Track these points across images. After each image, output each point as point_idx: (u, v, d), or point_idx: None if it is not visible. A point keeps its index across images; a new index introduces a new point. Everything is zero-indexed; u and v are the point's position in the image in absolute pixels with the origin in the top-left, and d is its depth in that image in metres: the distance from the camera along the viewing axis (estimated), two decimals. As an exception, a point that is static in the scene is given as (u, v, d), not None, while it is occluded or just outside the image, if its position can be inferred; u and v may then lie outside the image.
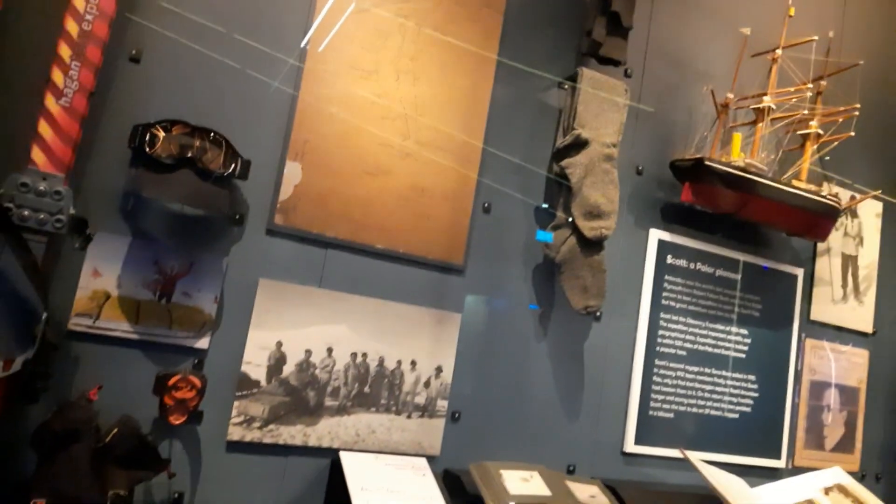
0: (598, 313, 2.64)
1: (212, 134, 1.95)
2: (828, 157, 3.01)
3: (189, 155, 1.88)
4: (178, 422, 1.81)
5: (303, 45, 2.18)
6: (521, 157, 2.56)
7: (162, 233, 1.99)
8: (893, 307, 3.54)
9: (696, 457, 2.47)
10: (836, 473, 2.75)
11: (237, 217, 2.09)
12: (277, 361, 2.11)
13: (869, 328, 3.42)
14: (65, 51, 1.76)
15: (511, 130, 2.54)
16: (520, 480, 2.18)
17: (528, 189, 2.57)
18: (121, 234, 1.93)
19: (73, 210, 1.72)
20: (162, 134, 1.88)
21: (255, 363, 2.08)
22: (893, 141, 3.56)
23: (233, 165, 1.97)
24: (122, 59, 1.96)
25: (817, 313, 3.24)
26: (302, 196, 2.17)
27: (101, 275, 1.90)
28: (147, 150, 1.84)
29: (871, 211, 3.44)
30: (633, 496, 2.44)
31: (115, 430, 1.73)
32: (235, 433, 2.04)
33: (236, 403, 2.04)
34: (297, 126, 2.17)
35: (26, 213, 1.67)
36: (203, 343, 2.02)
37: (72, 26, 1.77)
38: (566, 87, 2.58)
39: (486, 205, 2.48)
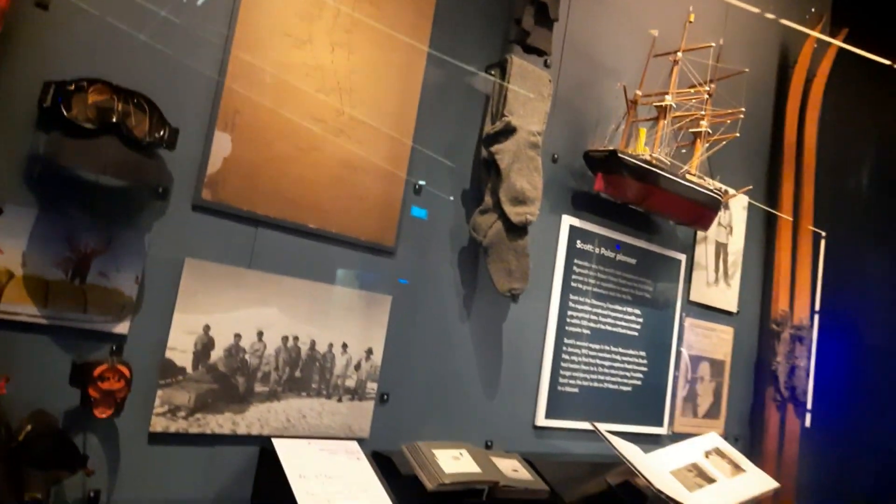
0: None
1: (136, 97, 1.76)
2: (708, 155, 3.33)
3: (113, 119, 1.68)
4: (104, 415, 1.64)
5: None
6: (451, 138, 2.57)
7: (75, 205, 1.77)
8: (753, 289, 4.02)
9: (603, 428, 2.66)
10: (714, 438, 3.10)
11: (161, 190, 1.91)
12: (205, 347, 1.98)
13: (734, 308, 3.85)
14: (-38, -12, 1.50)
15: (441, 111, 2.54)
16: (451, 459, 2.23)
17: (457, 172, 2.60)
18: (26, 205, 1.70)
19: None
20: (81, 93, 1.66)
21: (180, 349, 1.93)
22: (761, 142, 4.02)
23: (160, 133, 1.79)
24: (27, 2, 1.70)
25: (695, 295, 3.59)
26: (231, 170, 2.03)
27: (1, 252, 1.66)
28: (64, 112, 1.62)
29: (739, 204, 3.86)
30: (546, 467, 2.58)
31: (29, 427, 1.54)
32: (159, 424, 1.89)
33: (160, 392, 1.89)
34: (228, 94, 2.02)
35: (-84, 177, 1.42)
36: (122, 328, 1.84)
37: (-29, -40, 1.51)
38: (493, 72, 2.62)
39: (416, 186, 2.47)
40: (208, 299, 1.98)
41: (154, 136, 1.78)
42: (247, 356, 2.06)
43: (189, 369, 1.94)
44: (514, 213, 2.50)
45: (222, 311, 2.01)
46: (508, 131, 2.51)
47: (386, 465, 2.23)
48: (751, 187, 3.60)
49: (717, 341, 3.74)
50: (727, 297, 3.81)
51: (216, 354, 1.99)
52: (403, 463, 2.20)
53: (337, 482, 1.98)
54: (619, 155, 2.77)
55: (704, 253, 3.66)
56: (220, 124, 2.01)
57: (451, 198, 2.54)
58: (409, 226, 2.45)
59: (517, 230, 2.53)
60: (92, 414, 1.63)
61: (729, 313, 3.83)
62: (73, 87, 1.66)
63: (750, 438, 3.94)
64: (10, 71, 1.67)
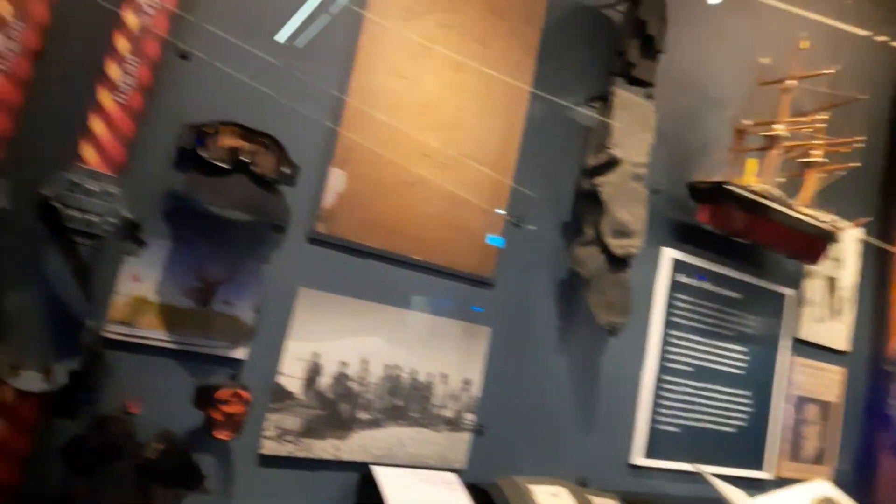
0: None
1: (263, 137, 1.87)
2: (823, 186, 3.15)
3: (243, 159, 1.79)
4: (225, 437, 1.73)
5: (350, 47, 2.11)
6: (551, 170, 2.57)
7: (203, 238, 1.89)
8: (865, 328, 3.76)
9: (706, 470, 2.55)
10: (823, 486, 2.91)
11: (280, 225, 2.01)
12: (313, 373, 2.05)
13: (845, 346, 3.61)
14: (122, 44, 1.64)
15: (544, 144, 2.54)
16: (549, 496, 2.21)
17: (557, 204, 2.59)
18: (161, 238, 1.83)
19: (126, 213, 1.61)
20: (215, 135, 1.78)
21: (290, 375, 2.01)
22: (874, 173, 3.77)
23: (285, 170, 1.89)
24: (172, 55, 1.84)
25: (804, 332, 3.40)
26: (345, 204, 2.11)
27: (140, 280, 1.79)
28: (200, 152, 1.74)
29: (851, 237, 3.63)
30: (645, 510, 2.50)
31: (159, 446, 1.64)
32: (269, 447, 1.97)
33: (270, 416, 1.97)
34: (344, 132, 2.10)
35: (75, 213, 1.56)
36: (241, 353, 1.94)
37: (131, 19, 1.65)
38: (596, 105, 2.60)
39: (516, 219, 2.47)
40: (318, 327, 2.06)
41: (278, 173, 1.88)
42: (351, 384, 2.12)
43: (298, 394, 2.02)
44: (617, 245, 2.46)
45: (331, 339, 2.08)
46: (612, 163, 2.48)
47: (481, 498, 2.23)
48: (870, 219, 3.38)
49: (826, 382, 3.52)
50: (838, 334, 3.58)
51: (323, 381, 2.06)
52: (500, 497, 2.19)
53: (437, 514, 2.00)
54: (727, 186, 2.68)
55: (813, 288, 3.46)
56: (336, 161, 2.09)
57: (534, 227, 2.51)
58: (509, 258, 2.45)
59: (619, 263, 2.49)
60: (213, 436, 1.72)
61: (839, 352, 3.59)
62: (208, 130, 1.78)
63: (859, 487, 3.66)
64: (154, 116, 1.80)
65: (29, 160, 1.60)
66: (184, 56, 1.85)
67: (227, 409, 1.72)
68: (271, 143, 1.88)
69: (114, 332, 1.76)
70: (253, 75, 1.95)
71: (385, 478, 2.05)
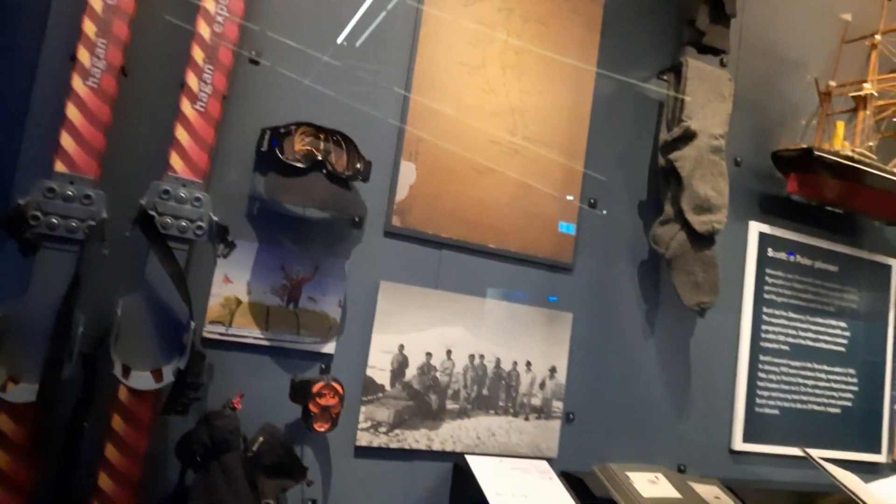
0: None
1: (335, 135, 1.92)
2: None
3: (318, 157, 1.84)
4: (322, 429, 1.77)
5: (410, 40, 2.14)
6: (624, 148, 2.51)
7: (286, 237, 1.95)
8: (984, 296, 3.45)
9: (815, 454, 2.40)
10: (950, 468, 2.68)
11: (357, 220, 2.05)
12: (400, 365, 2.07)
13: (963, 318, 3.33)
14: (198, 54, 1.73)
15: (614, 122, 2.49)
16: (647, 483, 2.14)
17: (633, 183, 2.52)
18: (248, 239, 1.90)
19: (214, 217, 1.69)
20: (290, 136, 1.84)
21: (378, 367, 2.04)
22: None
23: (358, 166, 1.93)
24: (243, 61, 1.92)
25: (912, 304, 3.16)
26: (417, 196, 2.13)
27: (231, 281, 1.87)
28: (279, 154, 1.80)
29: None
30: (750, 495, 2.38)
31: (262, 439, 1.70)
32: (363, 438, 2.00)
33: (363, 408, 2.01)
34: (411, 125, 2.13)
35: (168, 220, 1.64)
36: (329, 348, 1.98)
37: (203, 29, 1.74)
38: (666, 78, 2.52)
39: (591, 200, 2.43)
40: (401, 319, 2.08)
41: (352, 169, 1.92)
42: (437, 374, 2.13)
43: (387, 386, 2.05)
44: (699, 221, 2.37)
45: (414, 331, 2.10)
46: (688, 137, 2.39)
47: (577, 486, 2.18)
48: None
49: (943, 356, 3.25)
50: (953, 305, 3.30)
51: (410, 372, 2.08)
52: (596, 484, 2.14)
53: (532, 501, 1.98)
54: (816, 152, 2.53)
55: (921, 256, 3.21)
56: (406, 154, 2.12)
57: (605, 212, 2.44)
58: (586, 242, 2.41)
59: (703, 240, 2.40)
60: (311, 428, 1.77)
61: (957, 323, 3.31)
62: (284, 131, 1.84)
63: None
64: (231, 122, 1.89)
65: (123, 172, 1.70)
66: (254, 62, 1.92)
67: (322, 401, 1.76)
68: (343, 141, 1.92)
69: (212, 332, 1.84)
70: (320, 76, 2.01)
71: (479, 466, 2.05)
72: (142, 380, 1.59)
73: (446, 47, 2.20)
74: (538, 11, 2.34)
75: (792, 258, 2.83)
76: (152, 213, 1.62)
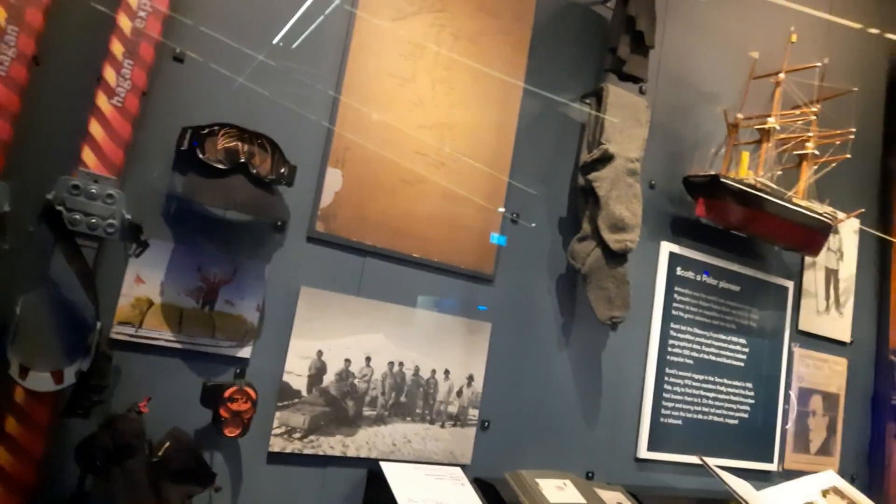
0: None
1: (260, 139, 1.91)
2: (817, 178, 3.18)
3: (241, 159, 1.82)
4: (233, 434, 1.75)
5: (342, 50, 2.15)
6: (546, 167, 2.61)
7: (205, 239, 1.92)
8: (867, 318, 3.77)
9: (711, 462, 2.55)
10: (831, 476, 2.91)
11: (279, 224, 2.04)
12: (318, 371, 2.07)
13: (847, 337, 3.62)
14: (117, 48, 1.69)
15: (538, 141, 2.58)
16: (555, 489, 2.21)
17: (554, 200, 2.62)
18: (163, 239, 1.86)
19: (127, 215, 1.64)
20: (213, 137, 1.82)
21: (296, 373, 2.03)
22: (861, 160, 3.79)
23: (282, 170, 1.92)
24: (166, 57, 1.88)
25: (805, 324, 3.41)
26: (342, 203, 2.15)
27: (143, 282, 1.82)
28: (199, 153, 1.78)
29: (850, 228, 3.66)
30: (652, 501, 2.51)
31: (168, 444, 1.67)
32: (277, 444, 1.99)
33: (277, 414, 1.99)
34: (338, 132, 2.14)
35: (77, 216, 1.59)
36: (245, 352, 1.96)
37: (125, 22, 1.70)
38: (589, 101, 2.64)
39: (514, 215, 2.51)
40: (321, 325, 2.08)
41: (276, 173, 1.91)
42: (356, 381, 2.14)
43: (304, 392, 2.04)
44: (614, 240, 2.48)
45: (334, 337, 2.10)
46: (606, 159, 2.51)
47: (489, 493, 2.24)
48: (863, 210, 3.40)
49: (829, 373, 3.53)
50: (839, 326, 3.59)
51: (328, 378, 2.08)
52: (507, 491, 2.20)
53: (443, 508, 2.01)
54: (722, 179, 2.71)
55: (814, 280, 3.48)
56: (332, 161, 2.13)
57: (534, 224, 2.54)
58: (508, 254, 2.48)
59: (617, 257, 2.51)
60: (222, 433, 1.74)
61: (842, 343, 3.61)
62: (206, 132, 1.82)
63: (869, 478, 3.66)
64: (151, 119, 1.84)
65: (30, 165, 1.64)
66: (179, 59, 1.89)
67: (234, 406, 1.74)
68: (268, 144, 1.91)
69: (121, 333, 1.78)
70: (248, 77, 1.99)
71: (393, 473, 2.07)
72: (40, 381, 1.53)
73: (378, 58, 2.23)
74: (469, 30, 2.40)
75: (707, 276, 3.00)
76: (60, 208, 1.57)
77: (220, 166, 1.80)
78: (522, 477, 2.20)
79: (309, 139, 2.10)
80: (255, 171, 1.84)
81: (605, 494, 2.36)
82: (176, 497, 1.63)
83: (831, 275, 3.56)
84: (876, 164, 3.91)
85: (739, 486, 2.53)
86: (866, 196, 3.81)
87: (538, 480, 2.21)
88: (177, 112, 1.88)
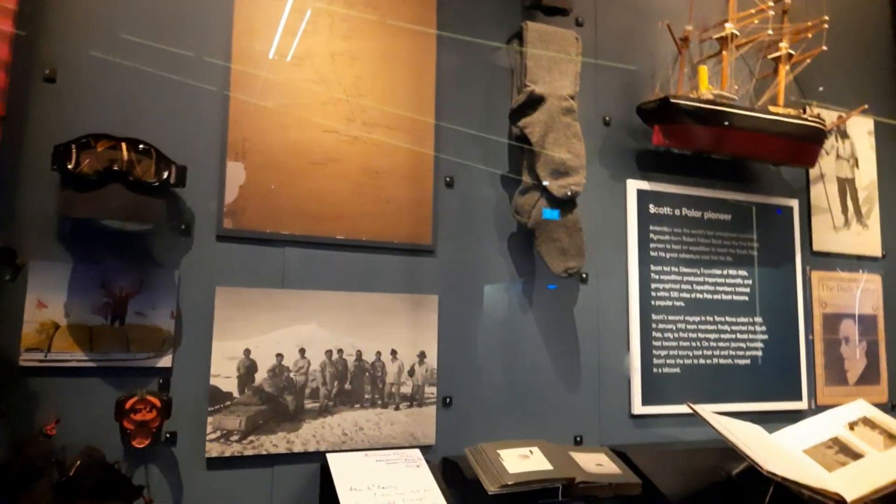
0: (582, 274, 2.52)
1: (140, 145, 1.87)
2: (795, 77, 2.85)
3: (115, 168, 1.79)
4: (141, 445, 1.72)
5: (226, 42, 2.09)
6: (477, 123, 2.45)
7: (107, 254, 1.90)
8: (901, 226, 3.38)
9: (706, 409, 2.33)
10: (861, 406, 2.60)
11: (183, 227, 2.00)
12: (248, 370, 2.02)
13: (878, 251, 3.25)
14: (-32, 77, 1.68)
15: (463, 98, 2.43)
16: (518, 458, 2.08)
17: (490, 157, 2.46)
18: (61, 260, 1.85)
19: (-3, 241, 1.64)
20: (85, 150, 1.79)
21: (223, 375, 1.99)
22: (869, 52, 3.39)
23: (166, 173, 1.88)
24: (37, 79, 1.87)
25: (820, 243, 3.09)
26: (249, 196, 2.08)
27: (46, 305, 1.82)
28: (70, 168, 1.75)
29: (862, 129, 3.28)
30: (643, 459, 2.32)
31: (78, 461, 1.65)
32: (214, 449, 1.95)
33: (210, 419, 1.96)
34: (234, 125, 2.08)
35: (-51, 250, 1.60)
36: (165, 361, 1.93)
37: (-28, 51, 1.69)
38: (515, 43, 2.46)
39: (448, 179, 2.37)
40: (245, 324, 2.03)
41: (160, 176, 1.87)
42: (292, 374, 2.07)
43: (235, 394, 1.99)
44: (557, 186, 2.31)
45: (261, 334, 2.05)
46: (535, 101, 2.33)
47: (453, 471, 2.13)
48: (866, 107, 3.03)
49: (861, 294, 3.18)
50: (866, 240, 3.23)
51: (260, 376, 2.03)
52: (468, 467, 2.08)
53: (390, 492, 1.92)
54: (672, 100, 2.47)
55: (824, 194, 3.14)
56: (231, 154, 2.07)
57: (465, 191, 2.38)
58: (447, 221, 2.35)
59: (565, 204, 2.34)
60: (130, 445, 1.72)
61: (872, 259, 3.24)
62: (76, 145, 1.79)
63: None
64: (29, 141, 1.84)
65: None
66: (50, 79, 1.87)
67: (137, 417, 1.72)
68: (150, 149, 1.87)
69: (29, 359, 1.79)
70: (131, 84, 1.96)
71: (338, 464, 1.99)
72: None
73: (263, 41, 2.14)
74: (360, -7, 2.28)
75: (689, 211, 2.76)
76: (-71, 244, 1.58)
77: (92, 177, 1.76)
78: (482, 450, 2.08)
79: (203, 136, 2.05)
80: (131, 177, 1.80)
81: (581, 457, 2.20)
82: (92, 514, 1.62)
83: (846, 185, 3.20)
84: (889, 54, 3.49)
85: (739, 429, 2.30)
86: (881, 88, 3.40)
87: (500, 451, 2.08)
88: (58, 132, 1.86)
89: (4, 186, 1.79)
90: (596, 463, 2.20)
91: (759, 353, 2.84)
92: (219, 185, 2.05)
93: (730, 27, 2.61)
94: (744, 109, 2.54)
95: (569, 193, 2.30)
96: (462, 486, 2.05)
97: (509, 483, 1.95)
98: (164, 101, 2.01)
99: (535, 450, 2.14)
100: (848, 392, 3.04)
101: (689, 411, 2.60)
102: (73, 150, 1.76)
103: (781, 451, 2.32)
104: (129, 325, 1.90)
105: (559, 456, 2.15)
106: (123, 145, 1.84)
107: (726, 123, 2.49)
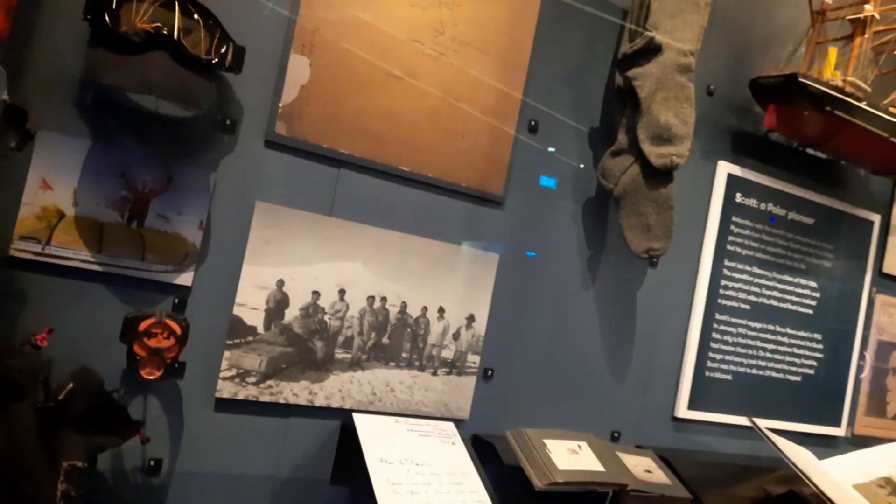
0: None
1: (196, 9, 1.50)
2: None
3: (164, 32, 1.42)
4: (151, 377, 1.42)
5: None
6: (575, 64, 2.11)
7: (133, 137, 1.55)
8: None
9: (763, 425, 2.11)
10: (912, 447, 2.42)
11: (228, 123, 1.65)
12: (278, 304, 1.71)
13: (942, 284, 3.03)
14: None
15: (563, 34, 2.07)
16: (567, 452, 1.83)
17: (584, 106, 2.13)
18: (77, 135, 1.50)
19: (5, 96, 1.28)
20: (129, 3, 1.42)
21: (250, 305, 1.68)
22: None
23: (223, 50, 1.52)
24: None
25: (890, 266, 2.85)
26: (310, 100, 1.73)
27: (51, 187, 1.48)
28: (107, 22, 1.38)
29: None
30: (689, 469, 2.10)
31: (70, 385, 1.34)
32: (226, 389, 1.66)
33: (227, 354, 1.66)
34: (305, 8, 1.70)
35: (-60, 97, 1.23)
36: (185, 279, 1.61)
37: None
38: (634, -20, 2.10)
39: (532, 123, 2.04)
40: (282, 249, 1.71)
41: (216, 53, 1.50)
42: (327, 317, 1.77)
43: (260, 329, 1.69)
44: (656, 154, 1.99)
45: (298, 265, 1.73)
46: (651, 50, 1.99)
47: (487, 453, 1.88)
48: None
49: (917, 326, 2.97)
50: (934, 270, 3.00)
51: (291, 313, 1.73)
52: (507, 451, 1.83)
53: (425, 471, 1.66)
54: (801, 79, 2.14)
55: (906, 213, 2.88)
56: (297, 45, 1.70)
57: (552, 149, 2.07)
58: (521, 172, 2.03)
59: (659, 176, 2.02)
60: (137, 374, 1.41)
61: (935, 291, 3.02)
62: (120, -3, 1.41)
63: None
64: (57, -20, 1.46)
65: None
66: None
67: (152, 343, 1.40)
68: (206, 18, 1.50)
69: (23, 250, 1.45)
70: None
71: (366, 426, 1.72)
72: None
73: (355, -87, 1.75)
74: None
75: (773, 223, 2.48)
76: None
77: (135, 39, 1.40)
78: (527, 436, 1.82)
79: (268, 18, 1.68)
80: (182, 47, 1.43)
81: (630, 460, 1.97)
82: (79, 450, 1.32)
83: (929, 208, 2.95)
84: None
85: (796, 453, 2.09)
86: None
87: (546, 441, 1.83)
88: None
89: (21, 29, 1.41)
90: (645, 469, 1.97)
91: (811, 372, 2.63)
92: (276, 80, 1.69)
93: (870, 9, 2.27)
94: (871, 106, 2.23)
95: (669, 164, 1.99)
96: (500, 471, 1.80)
97: (559, 481, 1.70)
98: (226, -38, 1.62)
99: (584, 445, 1.90)
100: (885, 425, 2.87)
101: (735, 422, 2.40)
102: (117, 2, 1.39)
103: (835, 482, 2.12)
104: (147, 229, 1.56)
105: (609, 456, 1.91)
106: (177, 5, 1.46)
107: (851, 118, 2.18)
